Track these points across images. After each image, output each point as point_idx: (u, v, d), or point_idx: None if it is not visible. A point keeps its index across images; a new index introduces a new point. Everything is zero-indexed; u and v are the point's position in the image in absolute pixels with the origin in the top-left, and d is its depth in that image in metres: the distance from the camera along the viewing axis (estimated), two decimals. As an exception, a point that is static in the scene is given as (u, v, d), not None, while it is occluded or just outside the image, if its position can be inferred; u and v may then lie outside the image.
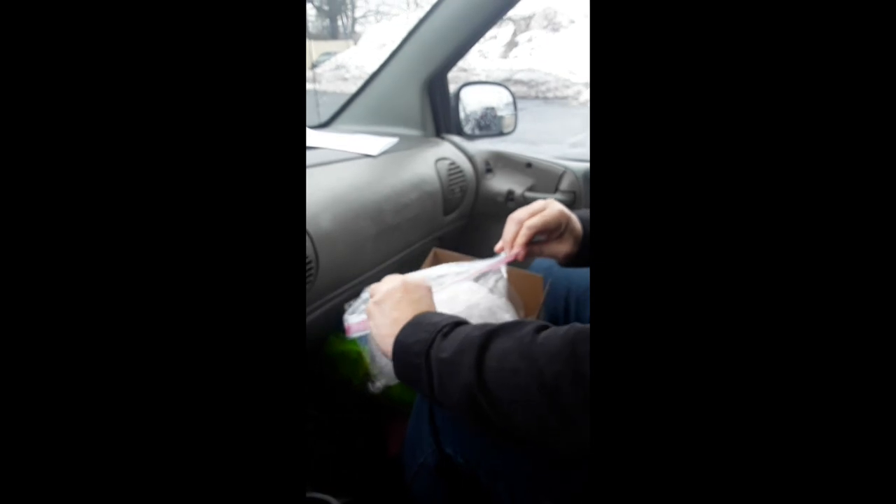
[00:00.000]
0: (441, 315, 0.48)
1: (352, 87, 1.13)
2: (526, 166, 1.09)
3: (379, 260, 0.82)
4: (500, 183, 1.09)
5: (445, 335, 0.44)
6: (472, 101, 1.20)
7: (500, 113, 1.25)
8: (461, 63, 1.13)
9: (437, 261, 0.76)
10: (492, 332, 0.42)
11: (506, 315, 0.61)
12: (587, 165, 1.06)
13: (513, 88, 1.27)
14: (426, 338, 0.45)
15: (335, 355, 0.85)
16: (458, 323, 0.46)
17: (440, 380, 0.43)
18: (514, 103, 1.23)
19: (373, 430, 0.90)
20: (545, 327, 0.41)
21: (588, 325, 0.38)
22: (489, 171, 1.11)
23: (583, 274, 0.74)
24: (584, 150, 1.18)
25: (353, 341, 0.86)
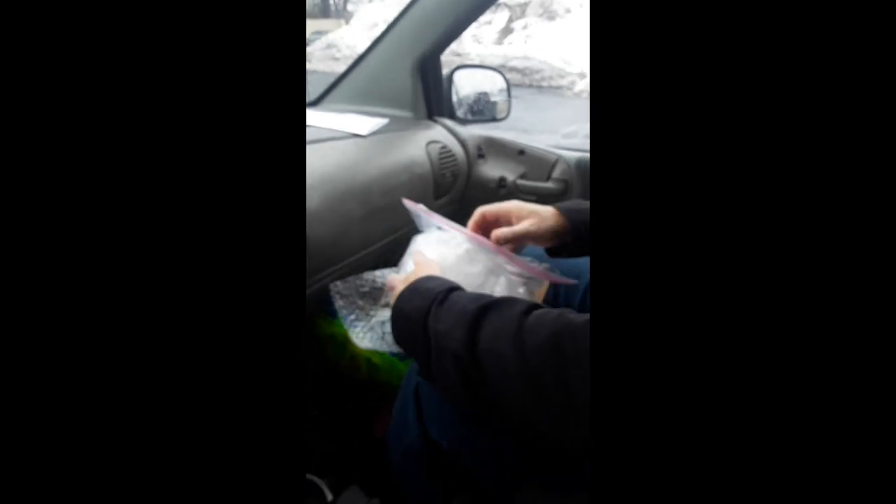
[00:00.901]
0: (437, 280, 0.48)
1: (342, 67, 1.10)
2: (519, 153, 1.08)
3: (366, 243, 0.81)
4: (493, 169, 1.08)
5: (441, 302, 0.44)
6: (465, 85, 1.18)
7: (493, 98, 1.23)
8: (455, 48, 1.11)
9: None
10: (485, 308, 0.41)
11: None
12: (580, 154, 1.05)
13: (507, 75, 1.25)
14: (423, 305, 0.44)
15: (322, 338, 0.84)
16: (454, 288, 0.46)
17: (437, 352, 0.42)
18: (509, 89, 1.21)
19: (359, 411, 0.90)
20: (536, 307, 0.40)
21: (576, 319, 0.37)
22: (481, 156, 1.10)
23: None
24: (578, 141, 1.18)
25: (340, 323, 0.85)
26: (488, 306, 0.41)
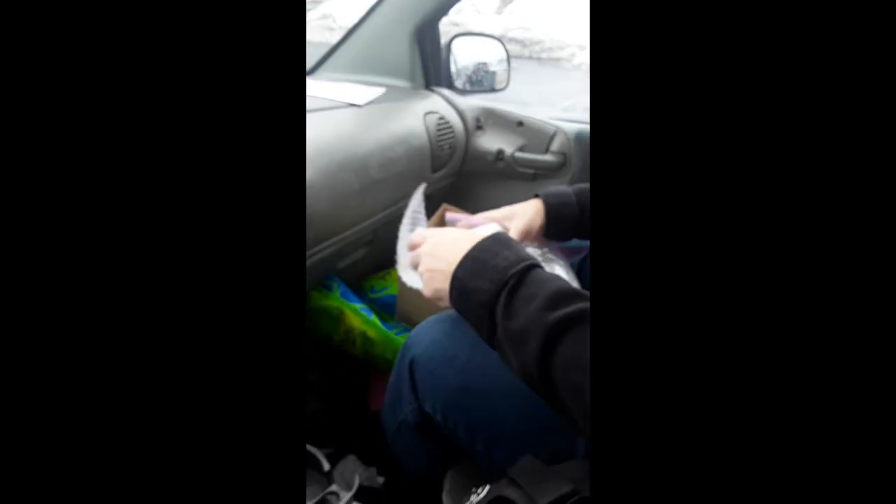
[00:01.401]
0: (506, 253, 0.42)
1: (338, 38, 1.07)
2: (517, 125, 1.06)
3: (363, 216, 0.80)
4: (491, 141, 1.06)
5: (512, 292, 0.39)
6: (464, 55, 1.15)
7: (492, 68, 1.20)
8: (454, 17, 1.08)
9: (441, 222, 0.74)
10: (564, 323, 0.36)
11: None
12: (580, 126, 1.03)
13: (507, 46, 1.22)
14: (490, 289, 0.40)
15: (316, 311, 0.84)
16: (527, 270, 0.40)
17: (502, 345, 0.40)
18: (508, 59, 1.18)
19: (355, 386, 0.91)
20: None
21: None
22: (479, 127, 1.08)
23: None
24: (577, 115, 1.15)
25: (335, 297, 0.84)
26: (567, 321, 0.36)
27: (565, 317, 0.36)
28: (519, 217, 0.63)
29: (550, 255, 0.64)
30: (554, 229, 0.65)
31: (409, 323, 0.85)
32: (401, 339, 0.82)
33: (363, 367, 0.89)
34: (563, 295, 0.38)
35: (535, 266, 0.42)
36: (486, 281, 0.41)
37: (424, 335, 0.57)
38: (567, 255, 0.67)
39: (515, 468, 0.43)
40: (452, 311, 0.57)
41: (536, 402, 0.44)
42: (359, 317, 0.82)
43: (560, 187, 0.68)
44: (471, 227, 0.64)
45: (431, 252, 0.48)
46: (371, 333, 0.81)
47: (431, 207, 1.02)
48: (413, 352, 0.56)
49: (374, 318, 0.83)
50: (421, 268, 0.49)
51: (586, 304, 0.37)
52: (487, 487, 0.43)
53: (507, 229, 0.62)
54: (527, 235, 0.63)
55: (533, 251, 0.62)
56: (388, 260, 0.97)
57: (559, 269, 0.61)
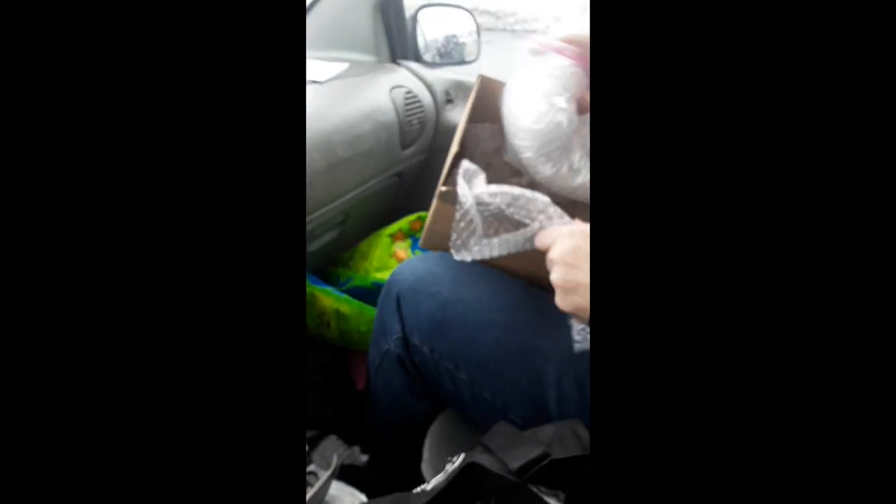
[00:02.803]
0: None
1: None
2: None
3: (332, 197, 0.78)
4: (461, 115, 1.04)
5: None
6: (432, 27, 1.12)
7: (462, 40, 1.17)
8: None
9: (485, 89, 0.65)
10: None
11: None
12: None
13: (480, 19, 1.19)
14: None
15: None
16: None
17: None
18: (478, 30, 1.15)
19: (340, 367, 0.91)
20: None
21: None
22: (449, 101, 1.06)
23: None
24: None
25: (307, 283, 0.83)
26: None
27: None
28: None
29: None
30: None
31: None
32: (373, 310, 0.81)
33: (341, 349, 0.89)
34: None
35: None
36: None
37: (409, 273, 0.60)
38: None
39: (488, 435, 0.43)
40: (436, 254, 0.59)
41: (510, 330, 0.53)
42: (330, 296, 0.81)
43: None
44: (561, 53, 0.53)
45: (571, 262, 0.41)
46: (344, 309, 0.81)
47: (405, 185, 1.01)
48: (399, 287, 0.59)
49: (344, 295, 0.83)
50: (554, 277, 0.42)
51: None
52: (462, 455, 0.43)
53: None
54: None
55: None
56: (361, 240, 0.96)
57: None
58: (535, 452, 0.36)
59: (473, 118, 0.66)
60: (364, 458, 0.69)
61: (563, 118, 0.52)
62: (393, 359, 0.60)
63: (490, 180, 0.47)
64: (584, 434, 0.38)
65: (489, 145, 0.68)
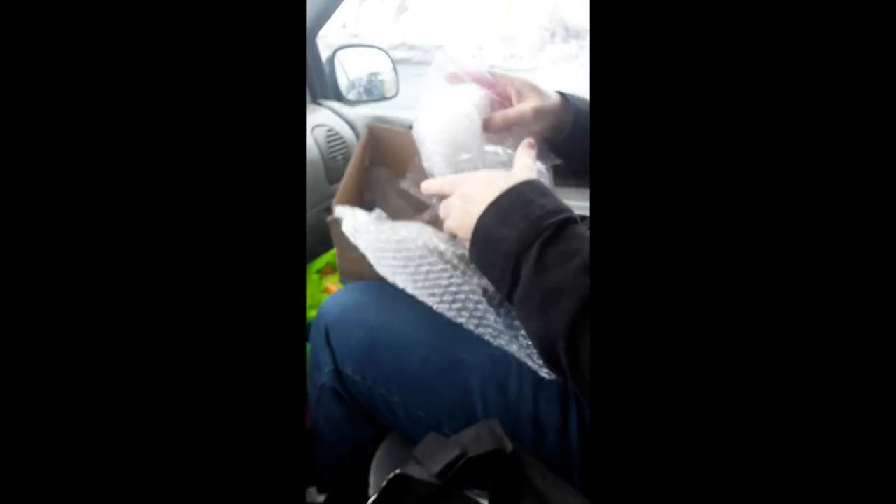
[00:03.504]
0: (543, 202, 0.38)
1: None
2: (409, 129, 1.10)
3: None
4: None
5: (546, 244, 0.36)
6: (354, 67, 1.17)
7: (381, 77, 1.23)
8: (352, 29, 1.09)
9: (373, 139, 0.71)
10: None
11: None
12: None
13: (408, 53, 1.27)
14: (519, 238, 0.37)
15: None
16: (565, 223, 0.37)
17: (525, 302, 0.37)
18: (395, 67, 1.22)
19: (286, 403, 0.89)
20: None
21: None
22: (371, 136, 1.10)
23: None
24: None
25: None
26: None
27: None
28: (539, 96, 0.54)
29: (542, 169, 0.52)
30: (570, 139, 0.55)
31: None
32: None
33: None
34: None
35: (573, 220, 0.38)
36: (516, 230, 0.38)
37: (335, 305, 0.60)
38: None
39: (418, 447, 0.45)
40: (361, 283, 0.61)
41: (436, 348, 0.53)
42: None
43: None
44: (470, 77, 0.56)
45: (448, 192, 0.45)
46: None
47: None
48: (326, 319, 0.59)
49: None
50: (441, 212, 0.45)
51: None
52: (398, 471, 0.45)
53: (513, 93, 0.55)
54: (537, 117, 0.54)
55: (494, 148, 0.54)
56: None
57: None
58: (453, 454, 0.39)
59: (374, 161, 0.69)
60: (321, 497, 0.68)
61: (470, 125, 0.55)
62: (328, 392, 0.60)
63: (393, 217, 0.52)
64: (499, 430, 0.41)
65: (388, 185, 0.73)
